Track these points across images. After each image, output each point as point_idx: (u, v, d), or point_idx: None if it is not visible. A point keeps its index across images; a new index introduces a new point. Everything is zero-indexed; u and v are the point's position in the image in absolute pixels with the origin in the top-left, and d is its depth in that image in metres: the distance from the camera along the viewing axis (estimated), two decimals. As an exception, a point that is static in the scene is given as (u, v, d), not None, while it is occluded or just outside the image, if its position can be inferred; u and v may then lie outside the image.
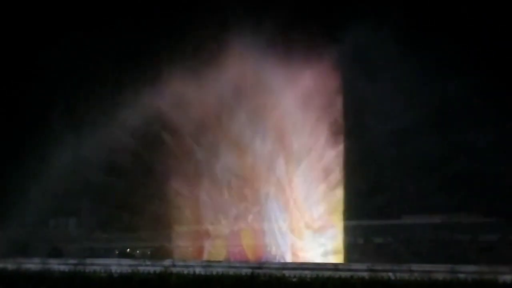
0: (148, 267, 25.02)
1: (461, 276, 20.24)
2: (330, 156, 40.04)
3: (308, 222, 40.17)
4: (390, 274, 20.81)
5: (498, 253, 42.57)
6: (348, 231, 40.22)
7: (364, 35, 39.48)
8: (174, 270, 23.80)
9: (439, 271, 21.62)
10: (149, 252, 56.69)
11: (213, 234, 42.54)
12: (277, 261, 38.94)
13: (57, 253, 46.75)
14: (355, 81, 40.17)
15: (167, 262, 27.27)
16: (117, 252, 58.46)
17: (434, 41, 43.44)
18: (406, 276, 20.73)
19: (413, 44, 41.56)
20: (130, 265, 26.43)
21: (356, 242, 46.44)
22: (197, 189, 42.38)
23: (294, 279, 20.62)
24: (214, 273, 22.80)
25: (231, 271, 23.28)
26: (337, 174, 39.86)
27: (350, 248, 40.78)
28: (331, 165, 40.09)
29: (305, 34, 38.08)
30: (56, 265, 27.42)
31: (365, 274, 21.11)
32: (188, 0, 46.54)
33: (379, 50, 39.57)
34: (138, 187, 42.76)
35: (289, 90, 41.04)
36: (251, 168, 41.69)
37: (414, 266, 23.27)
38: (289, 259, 39.82)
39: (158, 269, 23.73)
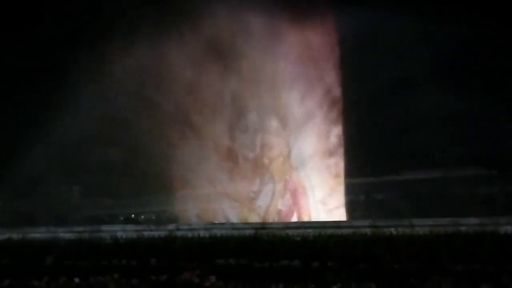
0: (153, 232, 25.21)
1: (463, 228, 20.31)
2: (329, 116, 40.01)
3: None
4: (392, 229, 20.87)
5: (498, 205, 42.86)
6: (349, 189, 40.41)
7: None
8: (179, 233, 23.99)
9: (441, 225, 21.74)
10: (153, 217, 57.21)
11: (216, 196, 42.72)
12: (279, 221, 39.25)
13: (62, 222, 47.13)
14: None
15: (171, 226, 27.51)
16: (122, 218, 59.01)
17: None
18: (408, 230, 20.78)
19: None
20: (135, 231, 26.64)
21: (357, 199, 46.67)
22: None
23: (298, 238, 20.66)
24: (218, 235, 22.92)
25: (235, 233, 23.43)
26: (337, 132, 39.91)
27: (352, 206, 41.06)
28: (330, 125, 40.10)
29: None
30: (62, 233, 27.61)
31: (367, 230, 21.17)
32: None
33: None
34: (140, 152, 42.74)
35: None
36: None
37: (416, 221, 23.43)
38: (291, 218, 40.15)
39: (162, 233, 23.89)
